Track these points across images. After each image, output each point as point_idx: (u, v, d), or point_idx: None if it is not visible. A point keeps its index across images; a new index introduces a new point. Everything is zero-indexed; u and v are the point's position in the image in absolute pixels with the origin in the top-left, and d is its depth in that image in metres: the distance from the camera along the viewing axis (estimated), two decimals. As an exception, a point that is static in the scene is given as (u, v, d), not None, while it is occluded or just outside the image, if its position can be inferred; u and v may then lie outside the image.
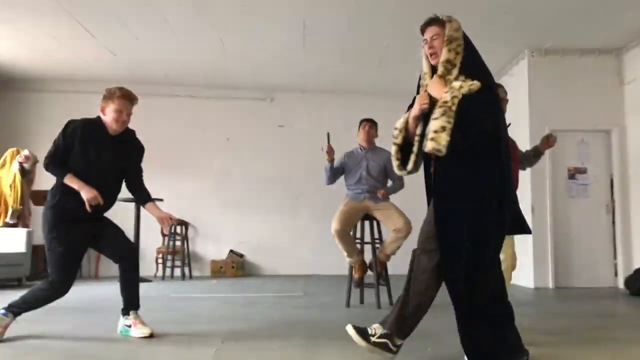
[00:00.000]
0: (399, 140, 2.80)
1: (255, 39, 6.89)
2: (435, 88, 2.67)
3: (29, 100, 8.79)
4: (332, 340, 3.43)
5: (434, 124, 2.55)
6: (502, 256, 3.45)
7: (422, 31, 2.81)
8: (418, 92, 2.82)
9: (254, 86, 9.06)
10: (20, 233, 6.97)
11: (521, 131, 7.09)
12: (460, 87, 2.57)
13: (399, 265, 6.43)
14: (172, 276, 8.28)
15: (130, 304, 3.53)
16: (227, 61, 7.87)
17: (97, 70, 8.28)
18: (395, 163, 2.84)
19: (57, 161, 3.35)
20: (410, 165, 2.79)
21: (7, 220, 7.16)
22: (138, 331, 3.44)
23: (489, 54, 7.55)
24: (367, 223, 5.17)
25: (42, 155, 6.92)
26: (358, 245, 5.10)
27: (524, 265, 6.99)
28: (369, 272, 5.15)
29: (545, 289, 6.93)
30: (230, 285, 7.27)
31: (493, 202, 2.58)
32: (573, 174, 7.34)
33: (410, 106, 2.82)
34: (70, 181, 3.30)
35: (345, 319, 4.40)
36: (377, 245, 5.11)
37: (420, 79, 2.86)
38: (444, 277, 2.62)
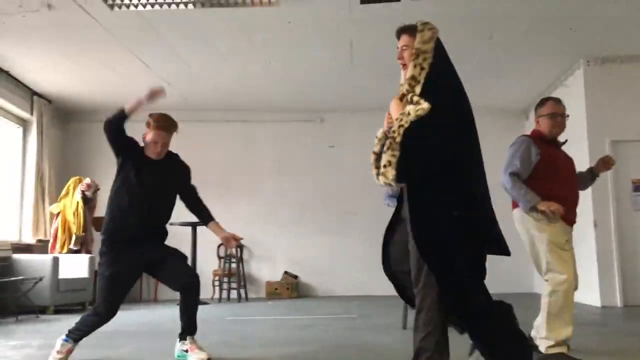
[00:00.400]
0: (377, 149, 2.66)
1: (303, 61, 6.97)
2: (393, 111, 2.59)
3: (89, 131, 9.16)
4: (389, 363, 3.37)
5: (383, 158, 2.49)
6: (563, 276, 3.31)
7: (398, 38, 2.69)
8: None
9: (303, 108, 9.15)
10: (83, 259, 7.22)
11: (580, 144, 6.85)
12: (409, 113, 2.45)
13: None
14: (228, 298, 8.38)
15: (188, 329, 3.58)
16: (277, 85, 7.99)
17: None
18: (374, 172, 2.67)
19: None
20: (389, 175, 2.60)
21: (71, 246, 7.44)
22: (195, 356, 3.48)
23: (542, 66, 7.49)
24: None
25: (103, 183, 7.20)
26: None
27: (589, 283, 6.70)
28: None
29: (612, 308, 6.60)
30: (285, 307, 7.28)
31: (458, 224, 2.42)
32: (638, 186, 7.01)
33: None
34: (129, 105, 3.45)
35: (402, 341, 4.32)
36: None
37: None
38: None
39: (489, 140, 8.95)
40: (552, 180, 3.43)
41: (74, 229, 7.52)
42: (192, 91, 8.25)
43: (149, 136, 3.57)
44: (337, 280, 8.96)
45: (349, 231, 9.07)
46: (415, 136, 2.43)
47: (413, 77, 2.54)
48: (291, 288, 8.72)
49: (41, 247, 7.83)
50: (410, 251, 2.51)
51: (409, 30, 2.64)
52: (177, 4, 5.25)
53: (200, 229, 8.05)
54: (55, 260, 6.67)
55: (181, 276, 3.54)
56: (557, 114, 3.57)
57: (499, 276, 8.61)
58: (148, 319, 6.05)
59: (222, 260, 8.65)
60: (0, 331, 5.18)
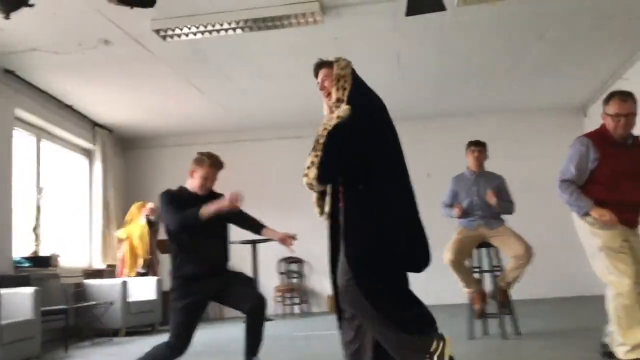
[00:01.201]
0: (317, 189, 2.74)
1: (352, 75, 7.00)
2: None
3: (149, 157, 9.49)
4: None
5: (307, 160, 2.61)
6: (624, 279, 3.19)
7: (315, 75, 2.92)
8: None
9: (354, 120, 9.17)
10: (151, 281, 7.45)
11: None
12: (332, 117, 2.63)
13: (524, 290, 6.14)
14: (291, 313, 8.45)
15: (251, 350, 3.65)
16: (327, 99, 8.04)
17: (209, 123, 8.79)
18: (316, 210, 2.86)
19: (181, 214, 3.54)
20: (326, 207, 2.79)
21: (138, 269, 7.70)
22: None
23: (598, 60, 7.25)
24: (483, 250, 4.99)
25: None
26: (476, 275, 4.93)
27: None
28: (490, 301, 4.95)
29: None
30: (349, 320, 7.25)
31: (371, 232, 2.55)
32: None
33: None
34: (206, 210, 3.47)
35: (470, 351, 4.24)
36: (497, 273, 4.91)
37: None
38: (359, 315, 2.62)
39: (545, 140, 8.85)
40: (608, 184, 3.33)
41: (140, 252, 7.79)
42: (245, 112, 8.42)
43: (200, 172, 3.71)
44: (398, 290, 8.86)
45: (407, 241, 8.97)
46: (337, 138, 2.59)
47: (338, 99, 2.74)
48: (353, 301, 8.69)
49: (110, 271, 8.13)
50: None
51: (324, 65, 2.91)
52: (226, 30, 5.40)
53: (260, 246, 8.18)
54: (124, 284, 6.92)
55: (247, 300, 3.64)
56: (621, 115, 3.34)
57: (565, 279, 8.42)
58: (215, 338, 6.18)
59: (284, 276, 8.74)
60: (79, 355, 5.42)
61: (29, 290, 5.04)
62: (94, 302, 6.54)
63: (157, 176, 9.35)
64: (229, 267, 3.82)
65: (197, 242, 3.60)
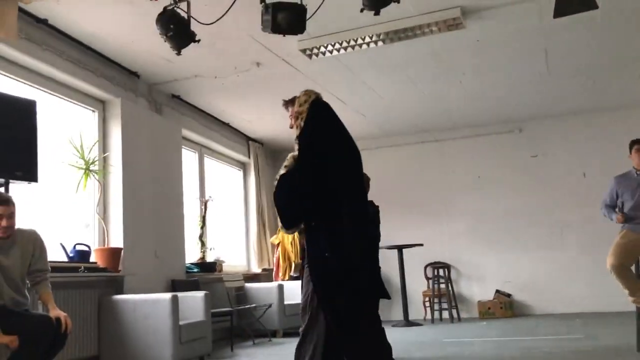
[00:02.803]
0: (292, 232, 2.96)
1: (495, 76, 6.82)
2: None
3: (297, 166, 9.98)
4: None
5: None
6: None
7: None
8: None
9: (499, 120, 8.90)
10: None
11: None
12: (281, 168, 2.77)
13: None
14: (440, 319, 8.40)
15: None
16: (469, 101, 7.91)
17: (351, 131, 9.01)
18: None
19: None
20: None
21: (292, 273, 8.15)
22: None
23: None
24: (650, 256, 4.63)
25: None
26: (642, 282, 4.58)
27: None
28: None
29: None
30: (501, 327, 7.08)
31: (326, 268, 2.64)
32: None
33: None
34: None
35: (639, 366, 3.98)
36: (667, 281, 4.53)
37: None
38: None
39: None
40: None
41: (292, 257, 8.24)
42: (385, 119, 8.55)
43: None
44: (554, 296, 8.44)
45: (562, 243, 8.52)
46: (284, 190, 2.75)
47: (296, 137, 2.91)
48: (505, 307, 8.45)
49: (266, 275, 8.70)
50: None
51: (289, 102, 3.10)
52: (368, 44, 5.57)
53: (406, 251, 8.24)
54: (281, 288, 7.37)
55: None
56: None
57: None
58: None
59: (430, 280, 8.72)
60: (244, 354, 5.89)
61: (200, 294, 5.57)
62: (254, 305, 7.04)
63: (305, 184, 9.81)
64: None
65: None
